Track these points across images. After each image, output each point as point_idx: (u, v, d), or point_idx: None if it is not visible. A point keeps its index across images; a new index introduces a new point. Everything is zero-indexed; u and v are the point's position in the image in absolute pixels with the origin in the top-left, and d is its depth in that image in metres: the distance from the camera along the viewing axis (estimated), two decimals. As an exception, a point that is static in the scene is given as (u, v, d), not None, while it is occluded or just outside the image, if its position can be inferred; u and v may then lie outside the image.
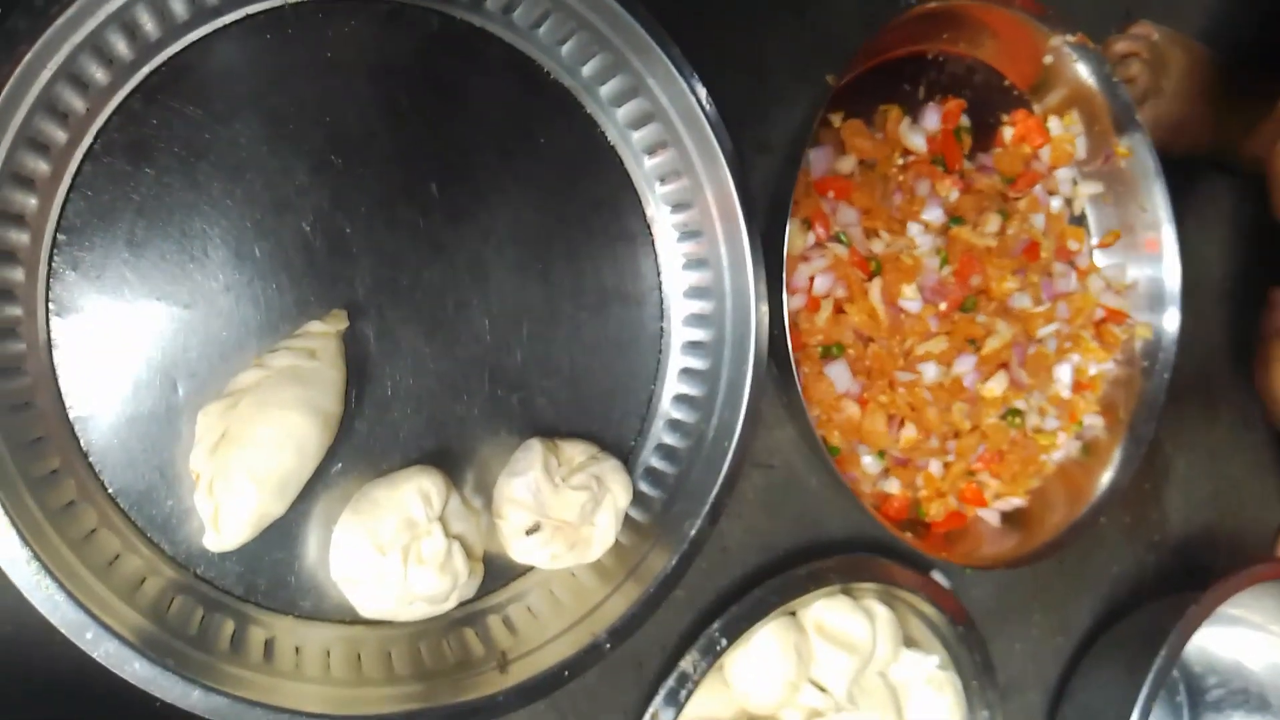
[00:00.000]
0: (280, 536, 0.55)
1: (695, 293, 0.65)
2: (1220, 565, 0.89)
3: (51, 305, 0.52)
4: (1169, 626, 0.74)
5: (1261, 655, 0.86)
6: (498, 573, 0.60)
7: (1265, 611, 0.82)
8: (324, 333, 0.55)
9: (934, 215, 0.72)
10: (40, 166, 0.51)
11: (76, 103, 0.52)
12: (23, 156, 0.50)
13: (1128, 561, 0.85)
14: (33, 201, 0.51)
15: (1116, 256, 0.82)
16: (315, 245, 0.56)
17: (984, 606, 0.77)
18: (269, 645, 0.53)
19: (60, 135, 0.52)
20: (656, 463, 0.64)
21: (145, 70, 0.54)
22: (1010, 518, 0.77)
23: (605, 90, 0.63)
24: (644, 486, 0.64)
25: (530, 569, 0.61)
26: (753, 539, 0.69)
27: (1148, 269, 0.80)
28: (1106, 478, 0.78)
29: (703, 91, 0.61)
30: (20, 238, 0.51)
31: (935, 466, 0.73)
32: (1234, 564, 0.79)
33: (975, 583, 0.76)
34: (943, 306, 0.71)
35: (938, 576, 0.71)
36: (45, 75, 0.50)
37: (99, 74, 0.52)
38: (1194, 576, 0.87)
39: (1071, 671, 0.81)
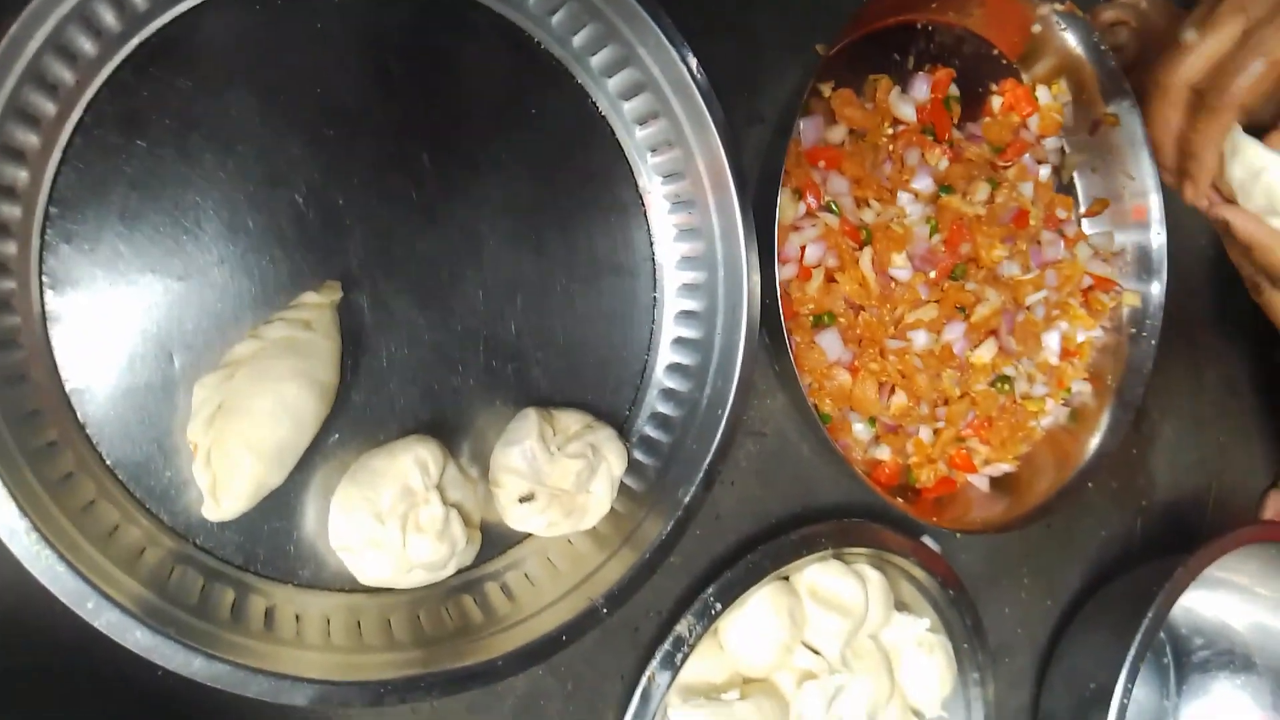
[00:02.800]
0: (279, 506, 0.55)
1: (688, 263, 0.66)
2: (1206, 529, 0.91)
3: (45, 278, 0.52)
4: (1156, 589, 0.75)
5: (1246, 616, 0.88)
6: (495, 541, 0.60)
7: (1250, 574, 0.84)
8: (319, 304, 0.55)
9: (924, 184, 0.72)
10: (30, 139, 0.51)
11: (65, 74, 0.51)
12: (12, 129, 0.50)
13: (1115, 526, 0.87)
14: (23, 174, 0.51)
15: (1104, 225, 0.83)
16: (308, 217, 0.56)
17: (974, 571, 0.78)
18: (269, 613, 0.53)
19: (49, 107, 0.51)
20: (651, 431, 0.65)
21: (135, 42, 0.53)
22: (999, 483, 0.78)
23: (596, 60, 0.63)
24: (638, 455, 0.64)
25: (527, 536, 0.61)
26: (746, 506, 0.69)
27: (1135, 236, 0.81)
28: (1094, 443, 0.79)
29: (694, 61, 0.61)
30: (12, 211, 0.51)
31: (925, 433, 0.73)
32: (1219, 528, 0.80)
33: (965, 547, 0.77)
34: (932, 274, 0.72)
35: (928, 541, 0.72)
36: (32, 46, 0.49)
37: (87, 45, 0.52)
38: (1180, 541, 0.89)
39: (1060, 634, 0.82)
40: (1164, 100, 0.68)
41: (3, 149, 0.50)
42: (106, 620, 0.47)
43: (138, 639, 0.48)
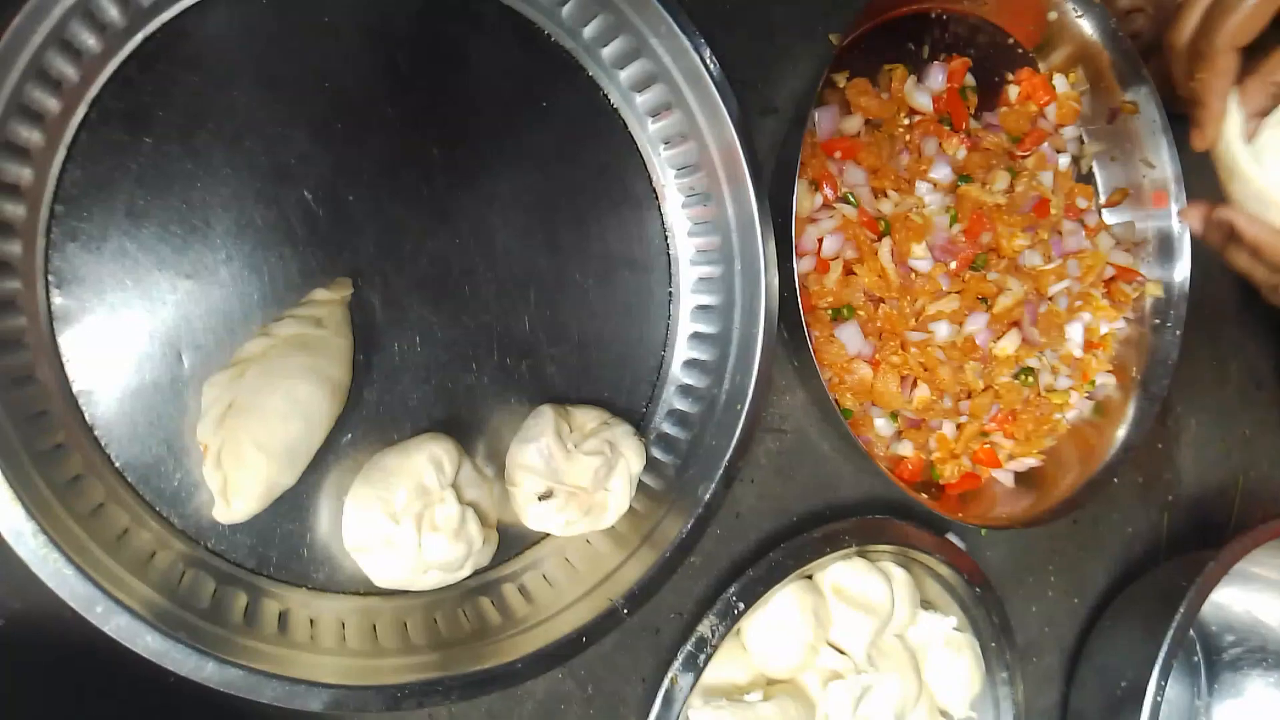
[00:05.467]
0: (291, 508, 0.54)
1: (703, 256, 0.65)
2: (1234, 524, 0.89)
3: (51, 278, 0.51)
4: (1186, 585, 0.73)
5: (1278, 612, 0.86)
6: (512, 541, 0.59)
7: (1281, 568, 0.82)
8: (329, 300, 0.54)
9: (942, 174, 0.71)
10: (34, 136, 0.50)
11: (69, 70, 0.51)
12: (15, 125, 0.49)
13: (1141, 522, 0.85)
14: (28, 172, 0.50)
15: (1125, 214, 0.81)
16: (318, 212, 0.55)
17: (999, 569, 0.76)
18: (283, 617, 0.52)
19: (53, 104, 0.50)
20: (669, 428, 0.64)
21: (139, 37, 0.53)
22: (1024, 478, 0.76)
23: (607, 52, 0.62)
24: (656, 452, 0.63)
25: (544, 536, 0.60)
26: (766, 504, 0.68)
27: (1156, 223, 0.79)
28: (1119, 437, 0.78)
29: (707, 51, 0.60)
30: (16, 209, 0.50)
31: (948, 428, 0.72)
32: (1247, 522, 0.79)
33: (990, 545, 0.76)
34: (953, 265, 0.70)
35: (953, 539, 0.71)
36: (35, 41, 0.49)
37: (91, 40, 0.51)
38: (1208, 536, 0.87)
39: (1088, 632, 0.81)
40: (1175, 63, 0.67)
41: (6, 146, 0.49)
42: (116, 625, 0.46)
43: (149, 644, 0.46)
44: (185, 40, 0.53)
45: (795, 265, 0.61)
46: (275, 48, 0.55)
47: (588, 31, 0.62)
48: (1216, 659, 0.88)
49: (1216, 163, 0.67)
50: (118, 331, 0.52)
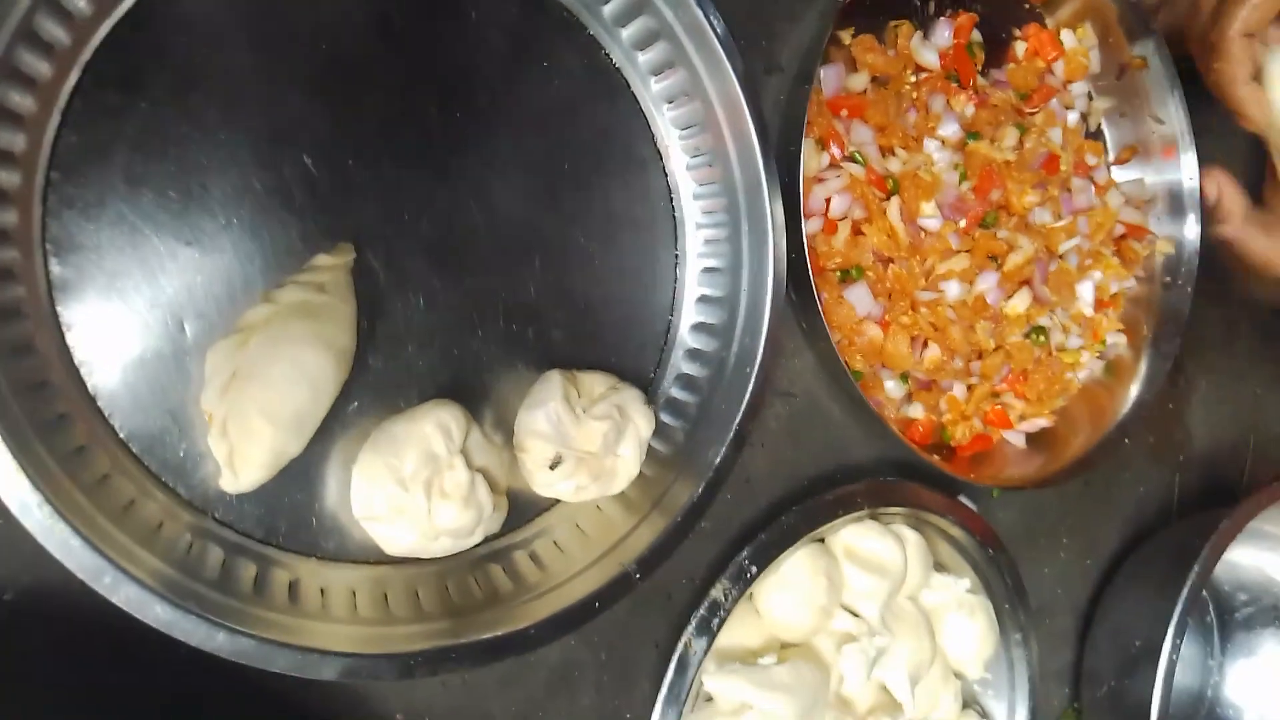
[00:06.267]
0: (299, 478, 0.53)
1: (710, 218, 0.64)
2: (1245, 483, 0.89)
3: (49, 246, 0.50)
4: (1199, 544, 0.73)
5: (1291, 571, 0.85)
6: (522, 508, 0.59)
7: (1294, 527, 0.82)
8: (332, 265, 0.53)
9: (950, 131, 0.70)
10: (26, 102, 0.49)
11: (60, 33, 0.49)
12: (7, 91, 0.48)
13: (1153, 482, 0.84)
14: (21, 139, 0.49)
15: (1134, 171, 0.80)
16: (317, 176, 0.54)
17: (1011, 531, 0.76)
18: (293, 587, 0.52)
19: (45, 68, 0.49)
20: (677, 393, 0.63)
21: (130, -2, 0.51)
22: (1035, 439, 0.76)
23: (609, 10, 0.61)
24: (665, 417, 0.62)
25: (554, 503, 0.59)
26: (777, 468, 0.67)
27: (1166, 177, 0.78)
28: (1131, 396, 0.77)
29: (710, 7, 0.59)
30: (11, 177, 0.49)
31: (959, 389, 0.71)
32: (1259, 481, 0.78)
33: (1002, 506, 0.75)
34: (962, 223, 0.69)
35: (965, 501, 0.70)
36: (24, 3, 0.47)
37: (81, 2, 0.50)
38: (1219, 495, 0.87)
39: (1101, 593, 0.80)
40: (1196, 54, 0.67)
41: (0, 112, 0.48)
42: (125, 595, 0.45)
43: (158, 614, 0.46)
44: (177, 0, 0.52)
45: (803, 226, 0.60)
46: (270, 7, 0.53)
47: (588, -12, 0.61)
48: (1229, 618, 0.88)
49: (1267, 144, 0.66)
50: (118, 300, 0.51)
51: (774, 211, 0.60)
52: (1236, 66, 0.64)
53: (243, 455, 0.50)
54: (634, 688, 0.62)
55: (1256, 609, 0.87)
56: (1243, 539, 0.76)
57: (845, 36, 0.69)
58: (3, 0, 0.47)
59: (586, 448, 0.57)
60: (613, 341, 0.62)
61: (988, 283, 0.69)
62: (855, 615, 0.65)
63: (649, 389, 0.63)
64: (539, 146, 0.60)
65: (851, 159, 0.67)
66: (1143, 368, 0.77)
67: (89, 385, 0.50)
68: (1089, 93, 0.79)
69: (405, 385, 0.56)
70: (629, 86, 0.63)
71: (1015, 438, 0.75)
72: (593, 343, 0.61)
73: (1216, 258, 0.79)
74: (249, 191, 0.53)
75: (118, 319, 0.51)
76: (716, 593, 0.60)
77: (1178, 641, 0.70)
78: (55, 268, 0.50)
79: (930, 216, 0.68)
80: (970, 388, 0.71)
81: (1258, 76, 0.65)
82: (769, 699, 0.59)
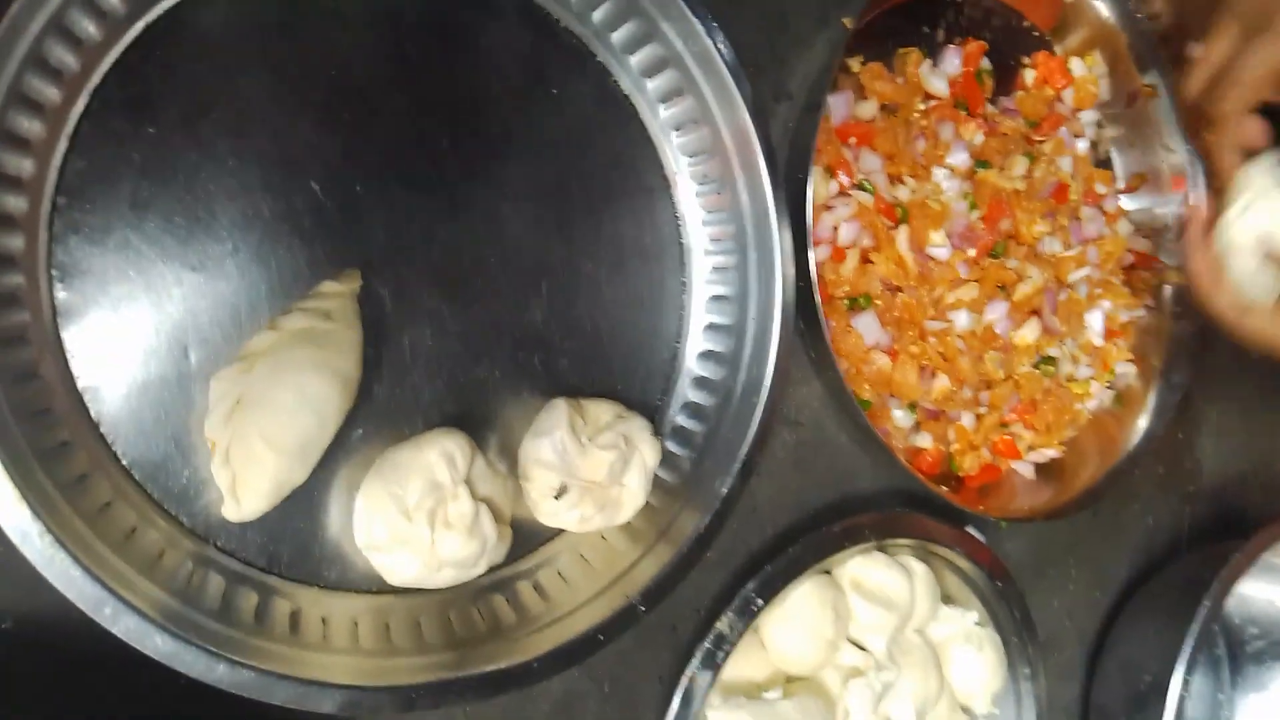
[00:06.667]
0: (302, 506, 0.53)
1: (717, 245, 0.63)
2: (1255, 514, 0.88)
3: (54, 271, 0.50)
4: (1209, 576, 0.72)
5: (1303, 605, 0.84)
6: (526, 537, 0.58)
7: (1307, 560, 0.81)
8: (338, 292, 0.52)
9: (959, 159, 0.70)
10: (35, 127, 0.49)
11: (69, 59, 0.49)
12: (15, 116, 0.48)
13: (1163, 513, 0.84)
14: (29, 164, 0.49)
15: (1144, 200, 0.80)
16: (325, 203, 0.54)
17: (1019, 562, 0.75)
18: (294, 617, 0.51)
19: (54, 93, 0.49)
20: (684, 421, 0.62)
21: (140, 24, 0.51)
22: (1044, 470, 0.75)
23: (617, 37, 0.61)
24: (672, 446, 0.62)
25: (559, 533, 0.59)
26: (783, 498, 0.67)
27: (1175, 208, 0.78)
28: (1141, 426, 0.76)
29: (719, 34, 0.59)
30: (18, 202, 0.49)
31: (968, 419, 0.71)
32: (1270, 513, 0.77)
33: (1010, 538, 0.75)
34: (972, 253, 0.69)
35: (973, 532, 0.69)
36: (34, 29, 0.47)
37: (91, 28, 0.50)
38: (1230, 527, 0.85)
39: (1110, 626, 0.79)
40: (1194, 119, 0.68)
41: (7, 137, 0.48)
42: (125, 626, 0.45)
43: (158, 645, 0.45)
44: (187, 27, 0.52)
45: (811, 254, 0.60)
46: (279, 34, 0.54)
47: (597, 16, 0.60)
48: (1239, 652, 0.87)
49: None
50: (122, 326, 0.50)
51: (782, 239, 0.60)
52: (1229, 137, 0.66)
53: (245, 483, 0.49)
54: (638, 721, 0.61)
55: (1268, 643, 0.85)
56: (1254, 572, 0.75)
57: (854, 64, 0.69)
58: (13, 26, 0.47)
59: (592, 477, 0.56)
60: (619, 369, 0.62)
61: (997, 312, 0.69)
62: (862, 649, 0.64)
63: (656, 417, 0.62)
64: (547, 174, 0.60)
65: (860, 187, 0.67)
66: (1152, 398, 0.77)
67: (92, 412, 0.50)
68: (1098, 121, 0.79)
69: (410, 413, 0.56)
70: (637, 114, 0.63)
71: (1024, 468, 0.74)
72: (599, 370, 0.61)
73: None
74: (256, 218, 0.53)
75: (122, 345, 0.50)
76: (722, 625, 0.59)
77: (1187, 677, 0.69)
78: (60, 293, 0.50)
79: (939, 245, 0.68)
80: (979, 418, 0.71)
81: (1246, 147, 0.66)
82: (774, 734, 0.58)
